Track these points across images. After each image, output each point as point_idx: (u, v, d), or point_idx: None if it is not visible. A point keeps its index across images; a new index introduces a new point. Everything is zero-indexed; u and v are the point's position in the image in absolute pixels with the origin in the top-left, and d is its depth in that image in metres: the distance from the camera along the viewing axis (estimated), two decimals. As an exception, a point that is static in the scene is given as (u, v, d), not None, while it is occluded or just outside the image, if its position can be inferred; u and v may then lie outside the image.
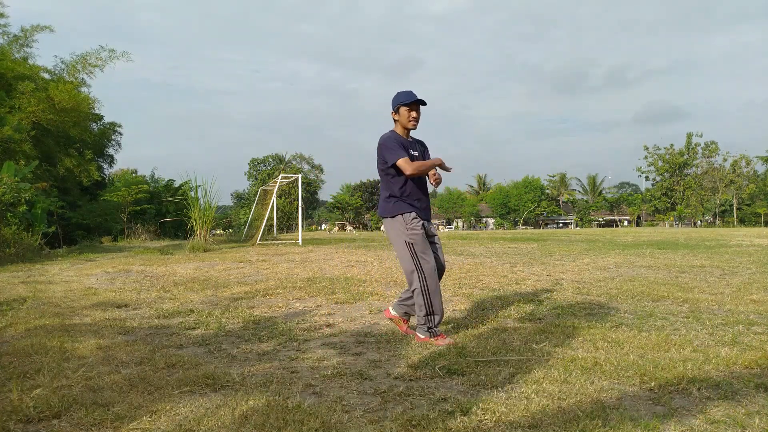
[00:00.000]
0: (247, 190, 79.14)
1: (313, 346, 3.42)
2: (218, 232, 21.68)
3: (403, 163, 3.48)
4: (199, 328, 4.01)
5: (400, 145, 3.56)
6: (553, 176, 79.26)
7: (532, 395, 2.40)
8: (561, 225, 74.95)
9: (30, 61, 21.45)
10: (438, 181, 3.65)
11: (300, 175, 19.16)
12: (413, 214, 3.54)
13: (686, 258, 9.43)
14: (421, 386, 2.57)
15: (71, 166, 22.27)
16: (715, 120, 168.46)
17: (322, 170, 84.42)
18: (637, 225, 71.85)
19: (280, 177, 18.25)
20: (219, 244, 14.67)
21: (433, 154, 4.03)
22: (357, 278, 6.80)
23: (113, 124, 29.47)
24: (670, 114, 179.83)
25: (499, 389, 2.49)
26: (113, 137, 29.71)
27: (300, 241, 16.10)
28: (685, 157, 68.05)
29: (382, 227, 3.94)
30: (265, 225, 17.62)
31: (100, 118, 27.86)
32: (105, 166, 30.37)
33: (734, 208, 63.90)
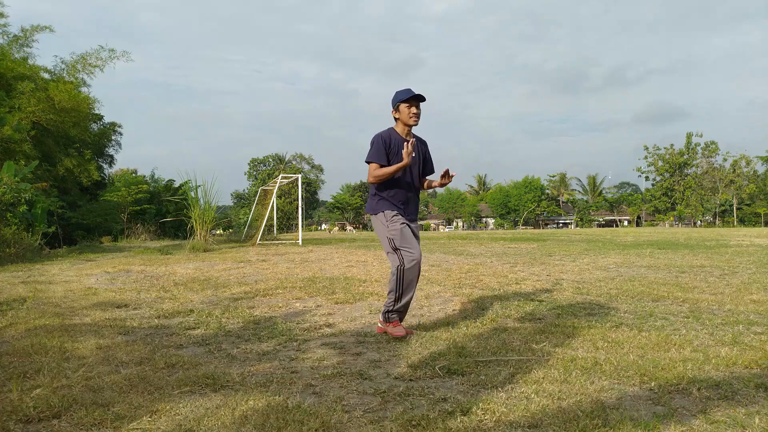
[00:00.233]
0: (247, 190, 79.15)
1: (313, 346, 3.42)
2: (218, 232, 21.66)
3: (371, 167, 3.61)
4: (199, 328, 4.01)
5: (382, 145, 3.60)
6: (553, 176, 79.31)
7: (532, 395, 2.40)
8: (561, 225, 74.96)
9: (30, 61, 21.47)
10: (443, 185, 3.75)
11: (300, 175, 19.16)
12: (394, 212, 3.62)
13: (686, 258, 9.43)
14: (421, 386, 2.57)
15: (71, 166, 22.29)
16: (715, 120, 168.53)
17: (322, 170, 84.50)
18: (637, 225, 71.86)
19: (280, 177, 18.25)
20: (219, 244, 14.67)
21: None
22: (357, 278, 6.80)
23: (113, 124, 29.50)
24: (670, 114, 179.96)
25: (499, 389, 2.49)
26: (113, 137, 29.76)
27: (300, 241, 16.10)
28: (685, 157, 68.03)
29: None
30: (265, 225, 17.62)
31: (100, 118, 27.89)
32: (105, 166, 30.41)
33: (734, 208, 63.91)
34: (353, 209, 76.09)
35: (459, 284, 6.14)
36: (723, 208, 65.56)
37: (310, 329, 3.91)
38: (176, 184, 32.36)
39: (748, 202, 64.04)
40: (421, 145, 3.86)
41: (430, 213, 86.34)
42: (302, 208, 25.22)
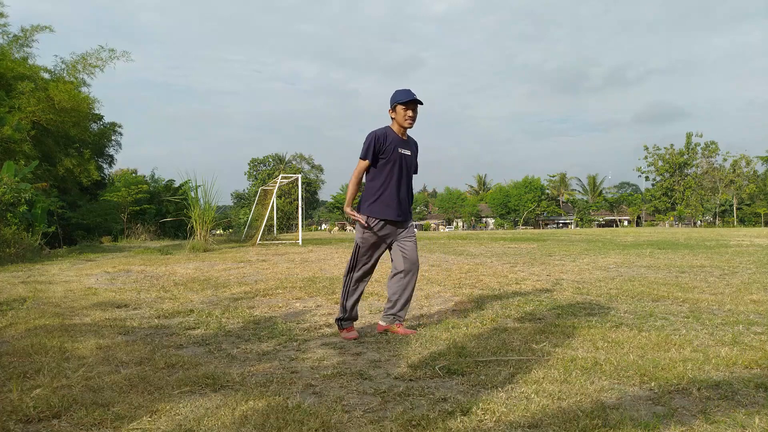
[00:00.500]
0: (247, 190, 79.15)
1: (313, 346, 3.42)
2: (218, 232, 21.66)
3: (360, 164, 3.68)
4: (199, 328, 4.01)
5: (374, 145, 3.64)
6: (553, 176, 79.30)
7: (532, 395, 2.40)
8: (561, 225, 74.96)
9: (30, 61, 21.46)
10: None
11: (300, 175, 19.16)
12: (376, 221, 3.66)
13: (686, 258, 9.43)
14: (421, 386, 2.57)
15: (71, 166, 22.29)
16: (715, 120, 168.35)
17: (322, 170, 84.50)
18: (637, 225, 71.87)
19: (280, 177, 18.25)
20: (219, 244, 14.67)
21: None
22: (357, 278, 6.79)
23: (113, 124, 29.49)
24: (670, 114, 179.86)
25: (499, 389, 2.49)
26: (113, 137, 29.75)
27: (300, 241, 16.10)
28: (685, 157, 68.06)
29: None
30: (265, 225, 17.62)
31: (100, 118, 27.88)
32: (105, 166, 30.41)
33: (734, 208, 63.92)
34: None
35: (459, 284, 6.14)
36: (723, 208, 65.58)
37: (310, 329, 3.91)
38: (176, 184, 32.38)
39: (748, 202, 64.05)
40: (413, 147, 3.88)
41: (430, 213, 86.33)
42: (302, 208, 25.22)
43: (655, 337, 3.42)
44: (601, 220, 76.15)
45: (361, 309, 4.70)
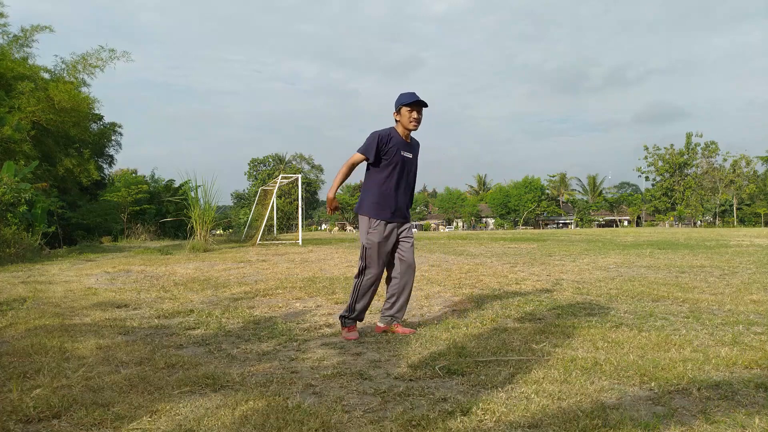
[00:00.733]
0: (247, 190, 79.17)
1: (313, 346, 3.42)
2: (218, 232, 21.66)
3: (354, 156, 3.68)
4: (199, 328, 4.01)
5: (376, 144, 3.64)
6: (553, 176, 79.28)
7: (532, 395, 2.40)
8: (561, 225, 74.96)
9: (30, 61, 21.45)
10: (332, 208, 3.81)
11: (300, 175, 19.16)
12: (379, 221, 3.65)
13: (686, 258, 9.43)
14: (421, 386, 2.57)
15: (71, 166, 22.29)
16: (715, 120, 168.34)
17: (322, 170, 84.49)
18: (637, 225, 71.86)
19: (280, 177, 18.25)
20: (219, 244, 14.67)
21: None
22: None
23: (113, 124, 29.50)
24: (671, 114, 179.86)
25: (499, 389, 2.49)
26: (113, 137, 29.75)
27: (300, 241, 16.10)
28: (685, 157, 68.06)
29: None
30: (265, 225, 17.62)
31: (100, 118, 27.89)
32: (105, 166, 30.41)
33: (734, 208, 63.91)
34: (353, 209, 76.10)
35: (459, 284, 6.14)
36: (723, 208, 65.57)
37: (310, 329, 3.91)
38: (176, 184, 32.37)
39: (748, 202, 64.05)
40: (417, 148, 3.89)
41: (430, 213, 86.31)
42: (302, 208, 25.23)
43: (655, 337, 3.42)
44: (601, 220, 76.14)
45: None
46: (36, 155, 18.23)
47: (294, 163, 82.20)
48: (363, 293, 3.67)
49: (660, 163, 69.88)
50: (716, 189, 64.78)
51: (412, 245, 3.79)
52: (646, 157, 71.21)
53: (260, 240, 15.90)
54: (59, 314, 4.50)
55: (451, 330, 3.76)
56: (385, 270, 3.77)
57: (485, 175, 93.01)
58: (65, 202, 20.95)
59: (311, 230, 67.69)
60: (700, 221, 68.11)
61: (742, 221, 62.70)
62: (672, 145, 69.39)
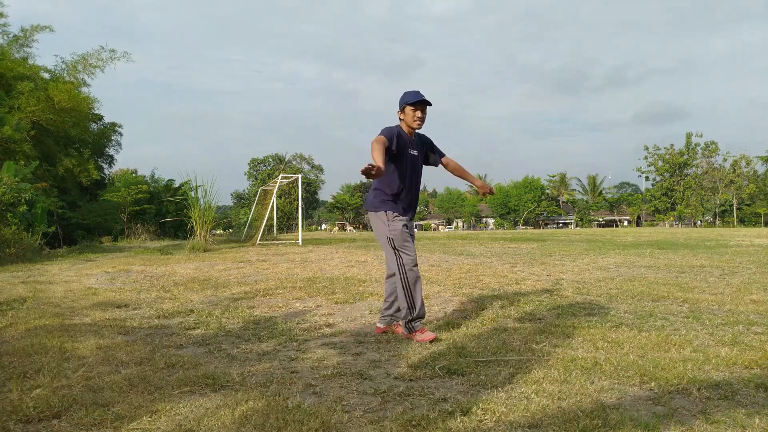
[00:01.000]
0: (247, 190, 79.14)
1: (313, 346, 3.42)
2: (218, 232, 21.66)
3: (374, 142, 3.40)
4: (199, 328, 4.01)
5: (393, 135, 3.57)
6: (553, 176, 79.30)
7: (532, 395, 2.40)
8: (561, 225, 74.95)
9: (30, 61, 21.46)
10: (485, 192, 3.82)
11: (300, 175, 19.15)
12: (395, 213, 3.61)
13: (686, 258, 9.43)
14: (421, 386, 2.57)
15: (71, 166, 22.29)
16: (715, 120, 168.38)
17: (322, 170, 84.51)
18: (637, 225, 71.86)
19: (280, 177, 18.24)
20: (219, 244, 14.67)
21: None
22: (357, 278, 6.80)
23: (113, 124, 29.50)
24: (671, 114, 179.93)
25: (499, 389, 2.49)
26: (113, 137, 29.75)
27: (300, 241, 16.10)
28: (685, 157, 68.06)
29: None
30: (265, 225, 17.62)
31: (100, 118, 27.89)
32: (105, 166, 30.41)
33: (734, 208, 63.92)
34: (353, 209, 76.09)
35: (459, 284, 6.13)
36: (723, 208, 65.57)
37: (310, 329, 3.91)
38: (176, 184, 32.37)
39: (748, 202, 64.05)
40: (423, 145, 3.87)
41: (430, 213, 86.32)
42: (302, 208, 25.23)
43: (655, 337, 3.42)
44: (601, 220, 76.14)
45: (361, 309, 4.70)
46: (36, 155, 18.22)
47: (294, 163, 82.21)
48: (413, 284, 3.49)
49: (660, 163, 69.89)
50: (716, 189, 64.79)
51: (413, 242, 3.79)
52: (646, 157, 71.30)
53: (260, 240, 15.90)
54: (59, 314, 4.50)
55: (451, 330, 3.76)
56: (387, 268, 3.74)
57: (485, 175, 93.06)
58: (65, 202, 20.95)
59: (311, 230, 67.68)
60: (700, 221, 68.10)
61: (742, 221, 62.70)
62: (672, 145, 69.48)
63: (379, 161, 3.27)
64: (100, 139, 28.04)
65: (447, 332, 3.68)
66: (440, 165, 4.03)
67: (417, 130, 3.82)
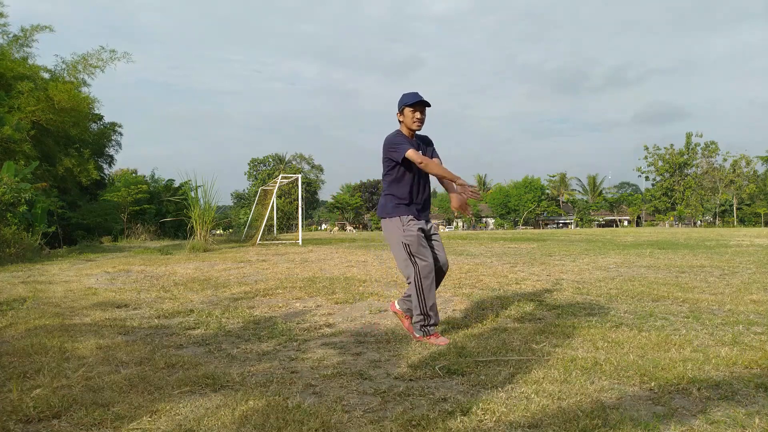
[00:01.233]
0: (247, 190, 79.13)
1: (313, 346, 3.42)
2: (218, 232, 21.66)
3: (412, 154, 3.50)
4: (199, 328, 4.01)
5: (405, 140, 3.61)
6: (553, 176, 79.26)
7: (532, 395, 2.40)
8: (561, 225, 74.94)
9: (30, 61, 21.47)
10: (463, 204, 3.60)
11: (300, 175, 19.15)
12: (410, 217, 3.58)
13: (686, 258, 9.43)
14: (421, 386, 2.57)
15: (71, 166, 22.29)
16: (715, 120, 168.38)
17: (322, 170, 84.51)
18: (637, 225, 71.85)
19: (280, 177, 18.24)
20: (219, 244, 14.67)
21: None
22: (357, 278, 6.80)
23: (113, 124, 29.50)
24: (671, 114, 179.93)
25: (499, 389, 2.49)
26: (113, 137, 29.75)
27: (300, 241, 16.10)
28: (685, 157, 68.06)
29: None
30: (265, 225, 17.62)
31: (100, 118, 27.90)
32: (105, 166, 30.41)
33: (734, 208, 63.90)
34: (353, 209, 76.10)
35: (459, 284, 6.14)
36: (723, 208, 65.56)
37: (310, 329, 3.91)
38: (176, 184, 32.36)
39: (748, 202, 64.04)
40: (423, 143, 3.84)
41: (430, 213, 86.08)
42: (302, 208, 25.23)
43: (655, 337, 3.42)
44: (601, 220, 76.12)
45: (360, 309, 4.70)
46: (36, 155, 18.22)
47: (294, 163, 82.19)
48: (428, 290, 3.47)
49: (660, 163, 69.88)
50: (716, 189, 64.79)
51: (441, 244, 3.72)
52: (646, 157, 71.28)
53: (260, 240, 15.90)
54: (59, 314, 4.50)
55: (451, 330, 3.76)
56: (432, 262, 3.60)
57: (485, 175, 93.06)
58: (65, 202, 20.95)
59: (311, 230, 67.66)
60: (700, 221, 68.10)
61: (742, 221, 62.69)
62: (672, 145, 69.47)
63: (450, 175, 3.52)
64: (100, 139, 28.05)
65: (447, 332, 3.68)
66: None
67: (418, 132, 3.82)
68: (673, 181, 69.05)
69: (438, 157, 3.87)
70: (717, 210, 65.53)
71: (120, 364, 2.99)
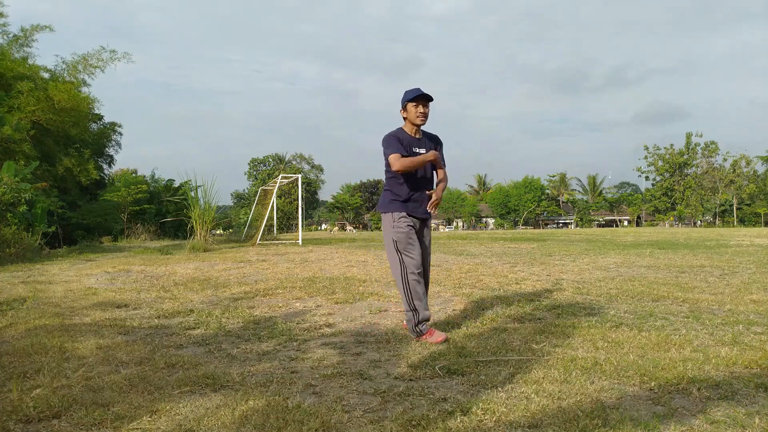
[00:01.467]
0: (247, 190, 79.15)
1: (313, 346, 3.42)
2: (218, 232, 21.66)
3: (393, 159, 3.57)
4: (199, 328, 4.01)
5: (397, 141, 3.63)
6: (553, 176, 79.27)
7: (532, 395, 2.40)
8: (561, 225, 74.94)
9: (30, 61, 21.46)
10: (434, 204, 3.64)
11: (300, 175, 19.15)
12: (402, 214, 3.62)
13: (686, 258, 9.43)
14: (421, 386, 2.57)
15: (71, 166, 22.29)
16: (715, 120, 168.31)
17: (322, 170, 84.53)
18: (637, 225, 71.85)
19: (280, 177, 18.24)
20: (219, 244, 14.67)
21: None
22: (357, 278, 6.80)
23: (113, 124, 29.50)
24: (671, 114, 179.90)
25: (499, 389, 2.49)
26: (113, 137, 29.75)
27: (300, 241, 16.10)
28: (685, 157, 68.05)
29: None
30: (265, 225, 17.62)
31: (100, 117, 27.89)
32: (105, 166, 30.41)
33: (734, 208, 63.90)
34: (353, 209, 76.11)
35: (459, 284, 6.14)
36: (723, 208, 65.56)
37: (310, 329, 3.91)
38: (176, 184, 32.35)
39: (748, 202, 64.03)
40: (431, 143, 3.84)
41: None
42: (302, 208, 25.23)
43: (655, 337, 3.42)
44: (601, 220, 76.12)
45: (360, 309, 4.70)
46: (36, 155, 18.22)
47: (294, 163, 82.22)
48: (413, 287, 3.50)
49: (660, 163, 69.87)
50: (716, 189, 64.78)
51: (429, 244, 3.78)
52: (646, 157, 71.26)
53: (260, 240, 15.90)
54: (59, 314, 4.50)
55: (451, 330, 3.76)
56: (420, 260, 3.64)
57: (485, 175, 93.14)
58: (65, 202, 20.94)
59: (311, 230, 67.68)
60: (700, 221, 68.10)
61: (742, 221, 62.69)
62: (672, 145, 69.45)
63: (419, 161, 3.60)
64: (100, 139, 28.04)
65: (447, 332, 3.68)
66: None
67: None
68: (673, 181, 69.04)
69: (443, 161, 3.87)
70: (717, 210, 65.52)
71: (120, 364, 2.99)
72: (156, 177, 34.21)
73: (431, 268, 4.17)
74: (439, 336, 3.43)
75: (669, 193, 69.31)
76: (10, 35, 21.06)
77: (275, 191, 18.14)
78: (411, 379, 2.69)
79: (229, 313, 4.56)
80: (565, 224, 75.26)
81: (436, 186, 3.83)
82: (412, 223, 3.63)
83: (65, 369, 2.86)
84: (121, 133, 30.09)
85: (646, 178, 73.04)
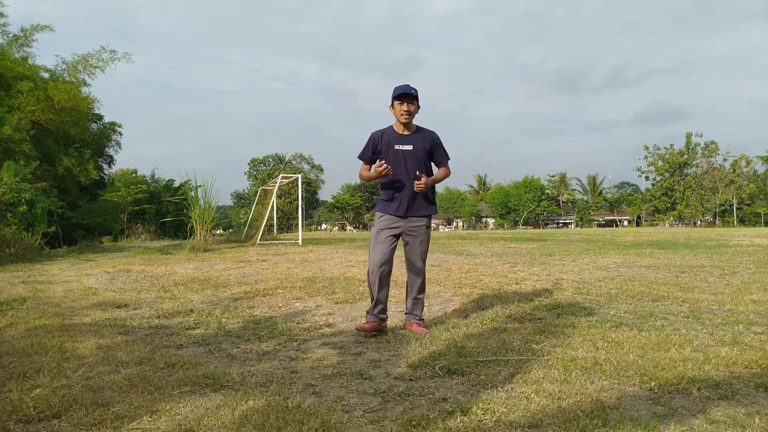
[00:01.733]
0: (247, 190, 79.14)
1: (313, 346, 3.42)
2: (218, 232, 21.66)
3: (361, 168, 3.92)
4: (199, 328, 4.01)
5: (372, 143, 3.82)
6: (553, 176, 79.27)
7: (532, 395, 2.40)
8: (561, 225, 74.93)
9: (30, 61, 21.45)
10: (419, 185, 3.70)
11: (300, 175, 19.15)
12: (381, 214, 3.82)
13: (686, 258, 9.43)
14: (421, 386, 2.57)
15: (71, 166, 22.28)
16: (715, 120, 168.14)
17: (322, 170, 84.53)
18: (637, 225, 71.84)
19: (280, 177, 18.24)
20: (219, 244, 14.67)
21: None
22: (357, 278, 6.80)
23: (113, 124, 29.50)
24: (671, 114, 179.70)
25: (499, 389, 2.49)
26: (113, 137, 29.75)
27: (300, 241, 16.10)
28: (685, 157, 68.05)
29: None
30: (265, 225, 17.62)
31: (100, 117, 27.89)
32: (105, 165, 30.41)
33: (734, 208, 63.91)
34: (353, 209, 76.11)
35: (459, 284, 6.14)
36: (723, 208, 65.56)
37: (310, 329, 3.91)
38: (176, 184, 32.38)
39: (748, 202, 64.03)
40: (424, 139, 3.82)
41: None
42: (302, 208, 25.23)
43: (655, 337, 3.42)
44: (601, 220, 76.12)
45: (361, 309, 4.70)
46: (36, 155, 18.20)
47: (294, 163, 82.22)
48: (372, 281, 3.70)
49: (660, 163, 69.85)
50: (716, 189, 64.78)
51: (419, 244, 3.79)
52: (646, 157, 71.24)
53: (260, 240, 15.90)
54: (59, 314, 4.50)
55: (451, 330, 3.76)
56: (387, 257, 3.75)
57: (485, 175, 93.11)
58: (65, 202, 20.94)
59: (311, 230, 67.67)
60: (700, 221, 68.10)
61: (742, 221, 62.69)
62: (672, 145, 69.43)
63: (367, 176, 3.84)
64: (99, 139, 28.04)
65: (447, 332, 3.68)
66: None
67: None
68: (673, 181, 69.04)
69: (443, 158, 3.89)
70: (717, 210, 65.53)
71: (120, 364, 2.99)
72: (156, 177, 34.29)
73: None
74: (367, 326, 3.63)
75: (669, 193, 69.30)
76: (10, 35, 21.07)
77: (275, 191, 18.14)
78: (411, 379, 2.69)
79: (229, 313, 4.57)
80: (565, 224, 75.26)
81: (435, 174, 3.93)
82: (388, 223, 3.76)
83: (65, 369, 2.86)
84: (121, 133, 30.13)
85: (646, 178, 73.10)
